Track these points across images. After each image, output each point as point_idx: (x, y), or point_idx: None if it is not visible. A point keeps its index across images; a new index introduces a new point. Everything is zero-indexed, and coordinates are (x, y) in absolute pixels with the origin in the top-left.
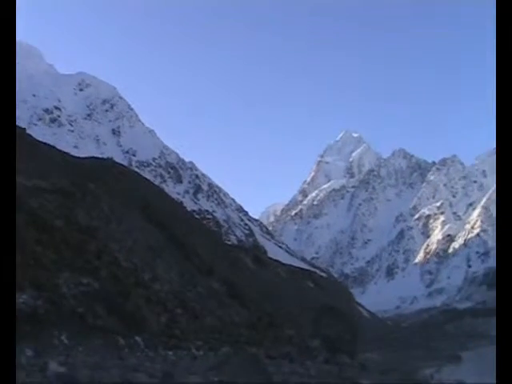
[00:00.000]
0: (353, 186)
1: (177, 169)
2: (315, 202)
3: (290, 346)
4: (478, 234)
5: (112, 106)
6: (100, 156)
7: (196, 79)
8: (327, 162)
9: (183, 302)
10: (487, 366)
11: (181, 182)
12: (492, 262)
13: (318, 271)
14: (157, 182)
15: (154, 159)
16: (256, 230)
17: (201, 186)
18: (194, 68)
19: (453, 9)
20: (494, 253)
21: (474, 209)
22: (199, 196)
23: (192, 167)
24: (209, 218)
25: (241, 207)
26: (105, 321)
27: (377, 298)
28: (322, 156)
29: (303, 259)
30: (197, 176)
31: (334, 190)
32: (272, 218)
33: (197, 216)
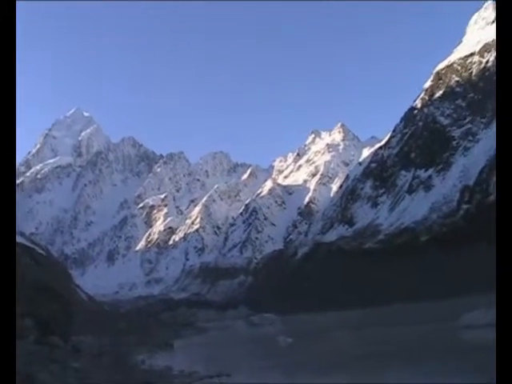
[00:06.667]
0: (80, 166)
1: None
2: (39, 176)
3: None
4: (197, 230)
5: None
6: None
7: None
8: (55, 137)
9: None
10: (197, 354)
11: None
12: (207, 257)
13: (36, 248)
14: None
15: None
16: None
17: None
18: None
19: None
20: (210, 249)
21: (195, 205)
22: None
23: None
24: None
25: None
26: None
27: (96, 281)
28: (49, 129)
29: (22, 234)
30: None
31: (59, 166)
32: None
33: None
